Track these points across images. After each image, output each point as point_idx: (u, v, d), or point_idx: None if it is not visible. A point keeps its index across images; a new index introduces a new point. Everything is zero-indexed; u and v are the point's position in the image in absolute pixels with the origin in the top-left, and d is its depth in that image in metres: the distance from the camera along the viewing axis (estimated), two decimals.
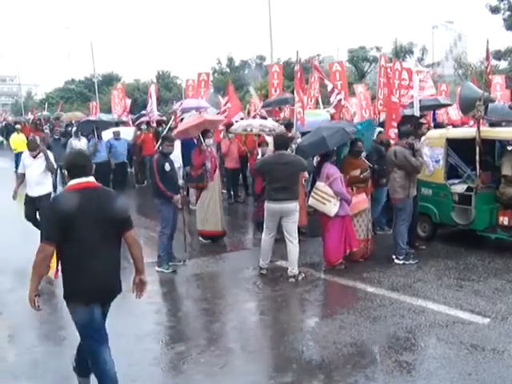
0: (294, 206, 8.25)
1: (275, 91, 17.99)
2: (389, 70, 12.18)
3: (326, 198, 8.43)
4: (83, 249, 4.35)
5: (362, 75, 49.15)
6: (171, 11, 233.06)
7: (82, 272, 4.38)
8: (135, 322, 6.90)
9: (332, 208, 8.42)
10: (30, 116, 37.67)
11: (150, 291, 8.09)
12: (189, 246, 9.87)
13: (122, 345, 5.82)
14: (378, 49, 51.13)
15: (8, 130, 33.10)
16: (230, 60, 65.35)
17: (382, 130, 10.93)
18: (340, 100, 10.67)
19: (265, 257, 8.65)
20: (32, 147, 9.80)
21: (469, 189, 9.38)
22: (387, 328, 6.36)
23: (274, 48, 32.01)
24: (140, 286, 4.80)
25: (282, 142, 8.61)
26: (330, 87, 11.09)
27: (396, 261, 8.80)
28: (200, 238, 10.65)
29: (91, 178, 4.55)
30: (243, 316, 7.19)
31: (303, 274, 8.40)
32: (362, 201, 8.89)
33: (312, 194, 8.65)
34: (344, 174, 8.72)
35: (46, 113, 34.16)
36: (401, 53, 44.65)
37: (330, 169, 8.55)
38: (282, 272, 8.56)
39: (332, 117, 11.13)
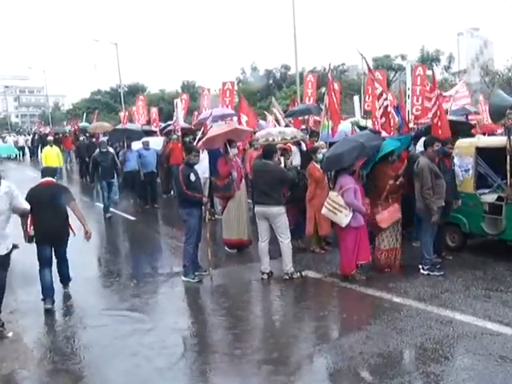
0: (276, 210, 8.74)
1: (309, 100, 18.00)
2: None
3: (338, 208, 8.37)
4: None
5: (388, 84, 48.94)
6: (196, 22, 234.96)
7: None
8: (162, 331, 6.95)
9: (343, 219, 8.36)
10: (67, 127, 37.61)
11: (176, 301, 8.25)
12: (214, 256, 9.91)
13: (148, 352, 5.88)
14: (403, 57, 50.94)
15: (44, 142, 32.11)
16: (254, 69, 65.51)
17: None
18: (386, 106, 10.06)
19: (263, 262, 9.00)
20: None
21: (499, 198, 9.24)
22: (414, 339, 6.30)
23: (299, 57, 31.98)
24: (86, 234, 8.23)
25: (268, 151, 9.12)
26: (378, 90, 10.41)
27: (422, 271, 8.72)
28: (225, 248, 10.68)
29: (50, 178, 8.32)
30: (268, 326, 7.23)
31: (298, 274, 8.70)
32: (395, 210, 8.79)
33: (325, 203, 8.61)
34: (380, 185, 8.67)
35: (83, 123, 34.39)
36: (427, 60, 44.38)
37: (344, 179, 8.49)
38: (308, 282, 8.56)
39: (381, 126, 10.56)
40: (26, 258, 10.49)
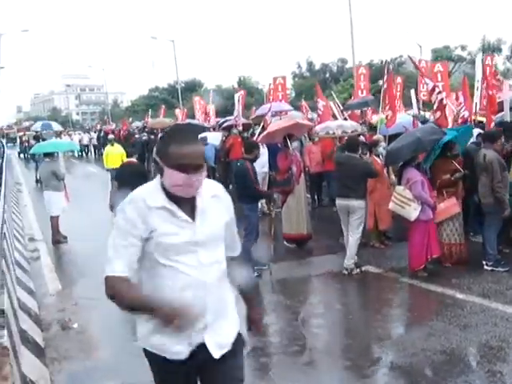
0: (357, 203, 8.69)
1: (362, 93, 17.85)
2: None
3: (406, 202, 8.25)
4: None
5: (447, 75, 47.84)
6: (252, 16, 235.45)
7: None
8: None
9: (412, 212, 8.23)
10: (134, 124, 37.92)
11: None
12: (273, 251, 9.94)
13: None
14: (463, 47, 49.73)
15: (105, 140, 30.00)
16: (310, 64, 65.24)
17: (481, 131, 10.38)
18: (441, 100, 9.89)
19: (349, 256, 8.90)
20: None
21: None
22: (479, 336, 6.16)
23: (355, 50, 31.60)
24: None
25: (352, 144, 9.18)
26: (430, 86, 10.32)
27: (485, 267, 8.52)
28: (285, 242, 10.70)
29: None
30: (328, 321, 7.20)
31: (358, 270, 8.70)
32: (453, 205, 8.65)
33: (392, 198, 8.51)
34: (435, 178, 8.57)
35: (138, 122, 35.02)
36: (488, 50, 43.12)
37: (410, 172, 8.37)
38: (368, 277, 8.50)
39: (436, 120, 10.42)
40: (89, 250, 10.86)
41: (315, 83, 18.39)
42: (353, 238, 8.81)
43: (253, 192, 8.88)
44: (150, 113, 33.90)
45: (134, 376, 5.68)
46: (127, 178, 9.60)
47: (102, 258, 8.95)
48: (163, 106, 33.39)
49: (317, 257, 10.03)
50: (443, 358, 5.70)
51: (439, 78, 13.34)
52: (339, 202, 8.91)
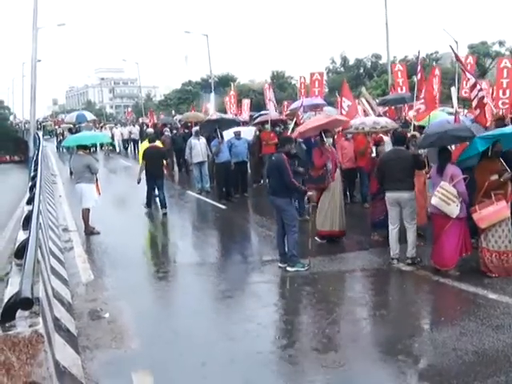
0: (409, 195, 8.92)
1: (401, 90, 17.67)
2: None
3: (451, 199, 8.14)
4: None
5: (484, 72, 47.08)
6: (285, 11, 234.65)
7: None
8: (255, 321, 7.06)
9: (454, 209, 8.14)
10: (177, 117, 36.66)
11: (266, 291, 8.35)
12: (303, 246, 9.89)
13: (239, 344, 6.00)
14: (501, 43, 48.74)
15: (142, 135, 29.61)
16: (344, 59, 64.77)
17: None
18: (482, 97, 9.63)
19: (393, 248, 9.09)
20: None
21: None
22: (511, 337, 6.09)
23: (390, 45, 31.33)
24: None
25: (400, 137, 9.57)
26: (471, 81, 10.02)
27: None
28: (316, 238, 10.65)
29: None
30: (358, 318, 7.18)
31: (419, 259, 8.94)
32: (502, 208, 8.16)
33: (436, 193, 8.34)
34: (480, 181, 8.25)
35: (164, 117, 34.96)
36: None
37: (454, 169, 8.27)
38: (400, 275, 8.44)
39: (476, 118, 10.09)
40: (121, 242, 11.04)
41: (343, 81, 18.10)
42: (410, 229, 9.02)
43: (288, 184, 8.86)
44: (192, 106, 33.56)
45: (163, 365, 5.78)
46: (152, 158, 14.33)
47: (132, 250, 9.12)
48: (205, 101, 32.49)
49: (348, 253, 9.98)
50: (475, 358, 5.64)
51: (505, 75, 12.87)
52: (391, 195, 9.04)
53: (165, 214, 14.40)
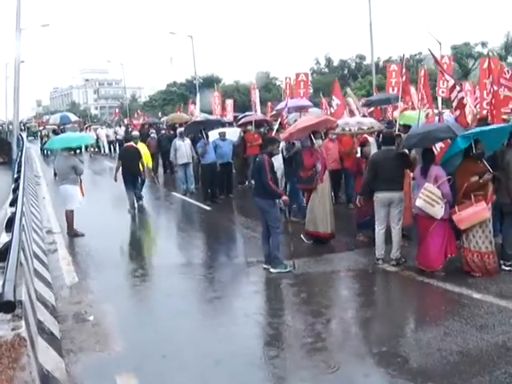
0: (399, 195, 8.98)
1: (393, 90, 17.75)
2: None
3: (436, 200, 8.17)
4: None
5: (466, 73, 47.47)
6: (269, 12, 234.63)
7: None
8: (241, 322, 7.07)
9: (438, 211, 8.18)
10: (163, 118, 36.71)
11: (251, 292, 8.33)
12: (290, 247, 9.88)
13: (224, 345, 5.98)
14: (483, 44, 49.18)
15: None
16: (329, 60, 65.04)
17: None
18: (462, 98, 9.74)
19: (379, 249, 9.11)
20: None
21: None
22: (496, 337, 6.10)
23: (374, 46, 31.46)
24: None
25: (389, 137, 9.58)
26: (451, 83, 10.07)
27: (503, 267, 8.43)
28: (302, 237, 10.64)
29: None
30: (343, 318, 7.19)
31: (403, 260, 8.96)
32: (482, 210, 8.14)
33: (420, 195, 8.36)
34: (460, 182, 8.24)
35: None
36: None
37: (437, 170, 8.31)
38: (384, 275, 8.46)
39: (456, 119, 10.04)
40: (105, 244, 10.96)
41: (334, 79, 18.18)
42: (396, 230, 9.05)
43: (265, 186, 8.84)
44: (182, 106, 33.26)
45: (147, 367, 5.75)
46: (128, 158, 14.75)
47: (117, 252, 9.05)
48: (190, 101, 32.32)
49: (333, 254, 10.00)
50: (459, 358, 5.67)
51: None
52: (383, 195, 8.99)
53: (141, 206, 15.23)
